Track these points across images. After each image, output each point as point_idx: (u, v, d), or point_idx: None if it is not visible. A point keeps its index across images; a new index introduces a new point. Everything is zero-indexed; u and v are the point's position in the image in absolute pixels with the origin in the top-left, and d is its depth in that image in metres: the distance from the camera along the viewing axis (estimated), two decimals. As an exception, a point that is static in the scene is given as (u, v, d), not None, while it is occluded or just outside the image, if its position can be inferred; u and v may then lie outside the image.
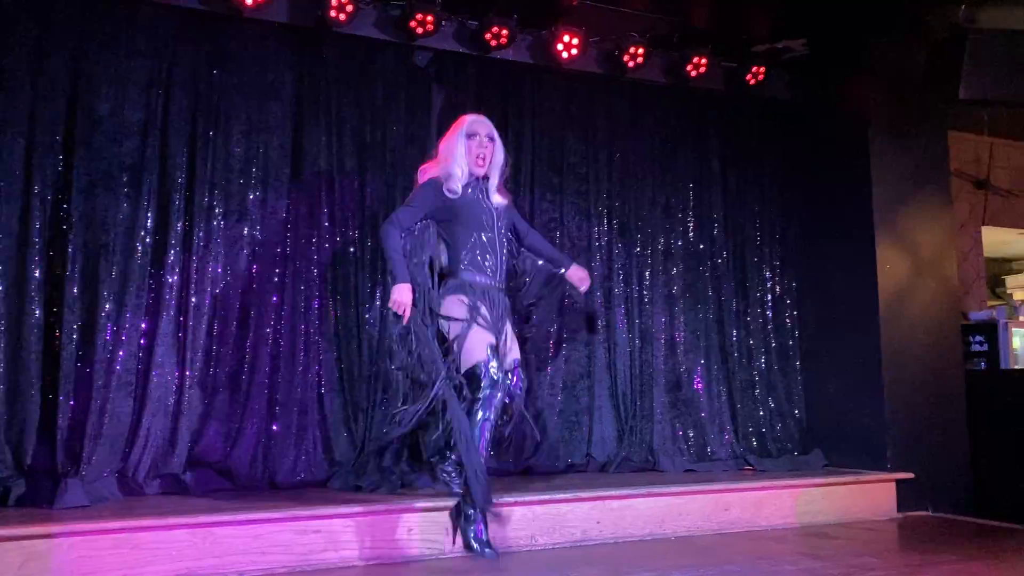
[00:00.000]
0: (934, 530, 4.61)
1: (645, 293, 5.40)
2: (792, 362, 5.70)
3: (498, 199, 3.89)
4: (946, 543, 4.22)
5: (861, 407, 5.24)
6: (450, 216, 3.78)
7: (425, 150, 4.89)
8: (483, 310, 3.68)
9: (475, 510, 3.63)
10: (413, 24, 4.66)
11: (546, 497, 4.09)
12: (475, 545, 3.64)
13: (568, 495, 4.13)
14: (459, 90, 5.06)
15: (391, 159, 4.82)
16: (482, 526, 3.66)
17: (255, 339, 4.43)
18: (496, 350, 3.65)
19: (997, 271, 7.75)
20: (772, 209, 5.81)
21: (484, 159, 3.82)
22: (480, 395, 3.59)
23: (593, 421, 5.14)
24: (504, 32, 4.82)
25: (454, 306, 3.71)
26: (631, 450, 5.18)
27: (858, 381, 5.28)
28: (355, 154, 4.78)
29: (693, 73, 5.33)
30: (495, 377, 3.60)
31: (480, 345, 3.63)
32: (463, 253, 3.76)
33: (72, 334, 3.99)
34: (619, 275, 5.37)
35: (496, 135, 3.87)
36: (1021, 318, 6.43)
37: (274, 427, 4.39)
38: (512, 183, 5.11)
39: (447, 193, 3.78)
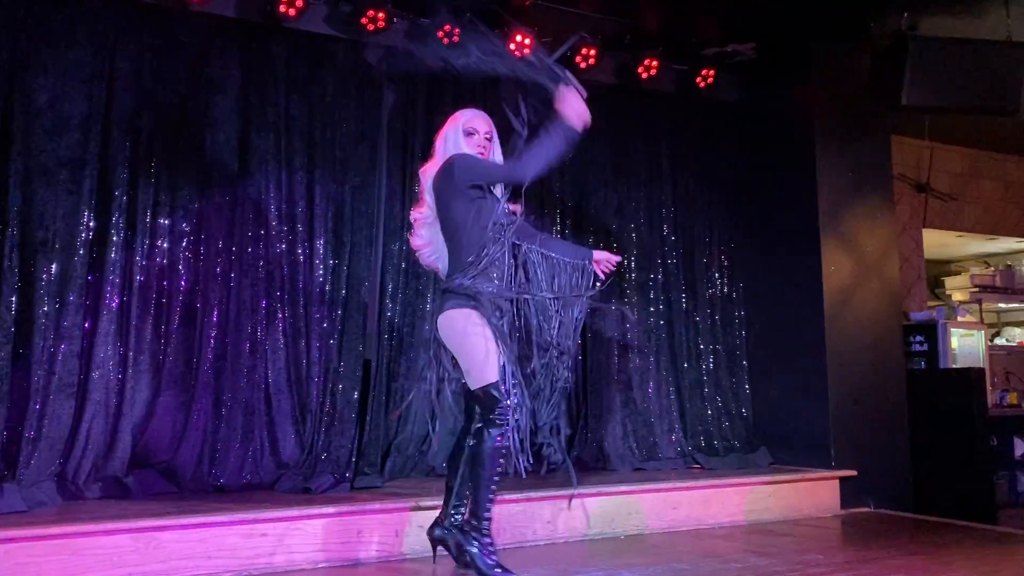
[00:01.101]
0: (876, 526, 4.72)
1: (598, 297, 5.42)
2: (739, 362, 5.78)
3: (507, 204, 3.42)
4: (887, 539, 4.31)
5: (806, 406, 5.34)
6: (471, 211, 3.30)
7: (376, 148, 4.86)
8: (496, 324, 3.25)
9: (488, 535, 3.29)
10: (364, 21, 4.61)
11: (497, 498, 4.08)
12: (499, 571, 3.27)
13: (519, 495, 4.13)
14: (410, 87, 5.02)
15: (341, 156, 4.77)
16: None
17: (200, 339, 4.35)
18: (506, 369, 3.24)
19: (937, 273, 7.96)
20: (721, 211, 5.88)
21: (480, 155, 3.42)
22: (491, 416, 3.19)
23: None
24: (456, 31, 4.79)
25: (465, 319, 3.24)
26: (582, 449, 5.21)
27: (803, 380, 5.37)
28: (304, 151, 4.71)
29: (644, 75, 5.37)
30: (508, 398, 3.20)
31: (494, 363, 3.20)
32: (473, 257, 3.28)
33: (8, 334, 3.86)
34: (570, 275, 5.38)
35: (495, 135, 3.49)
36: (959, 319, 6.62)
37: (220, 428, 4.31)
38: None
39: None
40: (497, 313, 3.27)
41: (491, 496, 3.27)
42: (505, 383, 3.21)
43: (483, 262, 3.27)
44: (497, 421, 3.18)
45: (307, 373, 4.55)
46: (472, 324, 3.21)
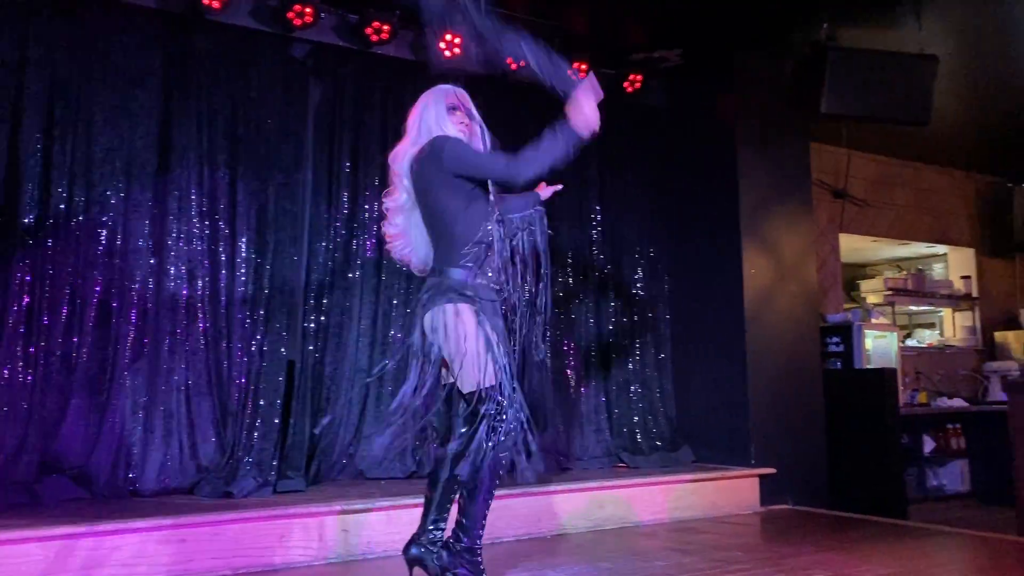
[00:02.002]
0: (794, 523, 4.85)
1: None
2: (664, 362, 5.87)
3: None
4: (804, 535, 4.44)
5: (727, 405, 5.45)
6: (460, 199, 2.99)
7: (302, 143, 4.78)
8: (494, 322, 3.00)
9: (481, 556, 2.99)
10: (291, 15, 4.53)
11: (422, 500, 4.05)
12: None
13: (445, 497, 4.11)
14: (338, 84, 4.95)
15: (265, 152, 4.67)
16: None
17: (116, 339, 4.21)
18: (505, 371, 2.97)
19: (852, 276, 8.21)
20: (647, 213, 5.96)
21: (465, 138, 3.11)
22: (490, 422, 2.91)
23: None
24: (386, 28, 4.76)
25: (465, 315, 2.94)
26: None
27: (725, 380, 5.49)
28: (227, 147, 4.60)
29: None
30: (503, 404, 2.92)
31: (489, 365, 2.93)
32: (469, 246, 2.99)
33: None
34: (499, 276, 5.39)
35: (477, 115, 3.18)
36: (873, 320, 6.85)
37: (137, 432, 4.18)
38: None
39: None
40: (496, 311, 3.03)
41: (487, 511, 2.98)
42: (504, 387, 2.92)
43: (481, 256, 2.99)
44: (496, 427, 2.89)
45: (229, 375, 4.45)
46: (473, 321, 2.92)
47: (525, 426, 2.97)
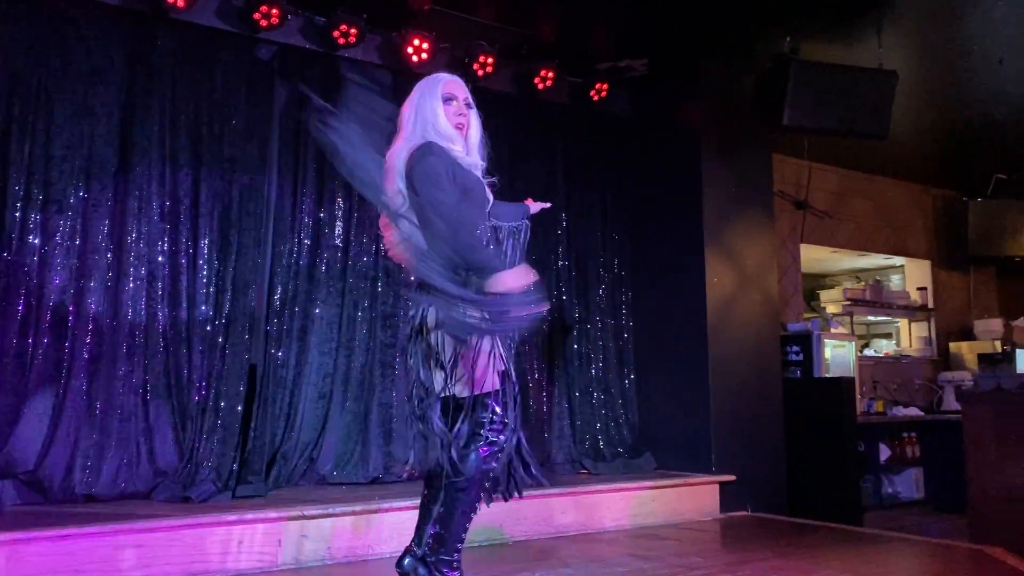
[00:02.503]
0: (753, 529, 4.90)
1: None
2: (627, 369, 5.90)
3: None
4: (764, 541, 4.49)
5: (689, 412, 5.50)
6: (460, 195, 2.85)
7: (267, 145, 4.74)
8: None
9: (459, 569, 2.87)
10: (257, 16, 4.49)
11: (385, 505, 4.04)
12: None
13: (408, 503, 4.09)
14: (304, 86, 4.91)
15: (229, 153, 4.62)
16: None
17: (73, 340, 4.12)
18: (508, 376, 2.89)
19: (812, 286, 8.32)
20: (612, 221, 6.00)
21: (463, 129, 2.98)
22: (480, 431, 2.82)
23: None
24: (353, 31, 4.74)
25: (475, 320, 2.76)
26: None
27: (686, 387, 5.53)
28: (190, 147, 4.55)
29: (540, 86, 5.44)
30: (505, 412, 2.84)
31: (492, 371, 2.83)
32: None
33: None
34: (463, 281, 5.38)
35: (473, 104, 3.04)
36: (832, 330, 6.95)
37: (93, 435, 4.10)
38: (358, 186, 5.04)
39: (454, 154, 2.90)
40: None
41: (467, 524, 2.85)
42: (506, 396, 2.82)
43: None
44: (488, 437, 2.79)
45: (188, 378, 4.38)
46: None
47: (521, 440, 2.94)
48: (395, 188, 2.88)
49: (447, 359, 2.82)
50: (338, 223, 4.95)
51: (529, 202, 3.45)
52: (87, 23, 4.30)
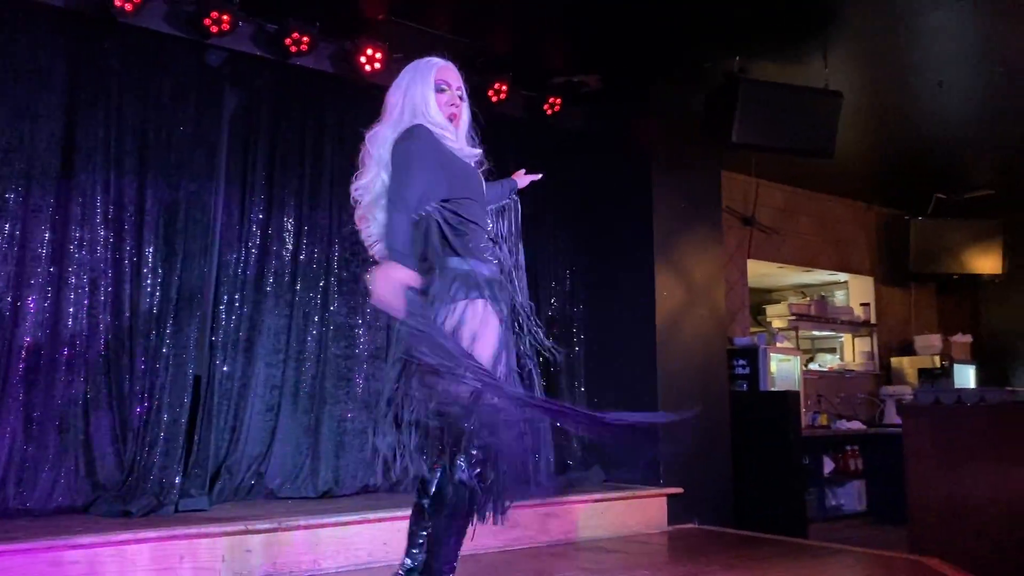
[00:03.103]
0: (700, 542, 4.94)
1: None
2: (577, 382, 5.91)
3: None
4: (710, 554, 4.52)
5: (638, 425, 5.51)
6: (449, 178, 2.67)
7: (215, 152, 4.67)
8: (505, 319, 2.69)
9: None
10: (207, 22, 4.42)
11: (331, 520, 3.99)
12: None
13: (355, 517, 4.05)
14: (254, 93, 4.86)
15: (176, 160, 4.53)
16: None
17: (8, 350, 3.99)
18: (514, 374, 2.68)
19: (759, 300, 8.45)
20: (565, 235, 6.02)
21: (455, 120, 2.80)
22: (470, 439, 2.51)
23: (387, 440, 5.05)
24: (305, 39, 4.69)
25: (473, 310, 2.57)
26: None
27: (636, 399, 5.56)
28: (135, 152, 4.45)
29: (494, 98, 5.44)
30: (500, 415, 2.53)
31: (497, 370, 2.58)
32: (466, 234, 2.66)
33: None
34: (414, 293, 5.34)
35: (466, 94, 2.87)
36: (778, 344, 7.07)
37: (28, 448, 3.97)
38: (312, 195, 4.98)
39: (445, 143, 2.71)
40: (503, 305, 2.68)
41: (457, 548, 2.59)
42: (507, 392, 2.53)
43: (479, 240, 2.67)
44: (484, 445, 2.49)
45: (131, 388, 4.28)
46: (480, 318, 2.53)
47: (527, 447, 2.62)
48: (374, 175, 2.68)
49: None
50: (288, 232, 4.88)
51: (518, 176, 3.33)
52: (31, 25, 4.19)
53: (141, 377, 4.30)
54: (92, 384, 4.19)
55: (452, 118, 2.77)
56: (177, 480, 4.15)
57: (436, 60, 2.81)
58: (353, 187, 2.76)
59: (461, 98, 2.81)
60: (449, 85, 2.77)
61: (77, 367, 4.16)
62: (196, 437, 4.35)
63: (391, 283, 2.45)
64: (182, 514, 4.00)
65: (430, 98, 2.71)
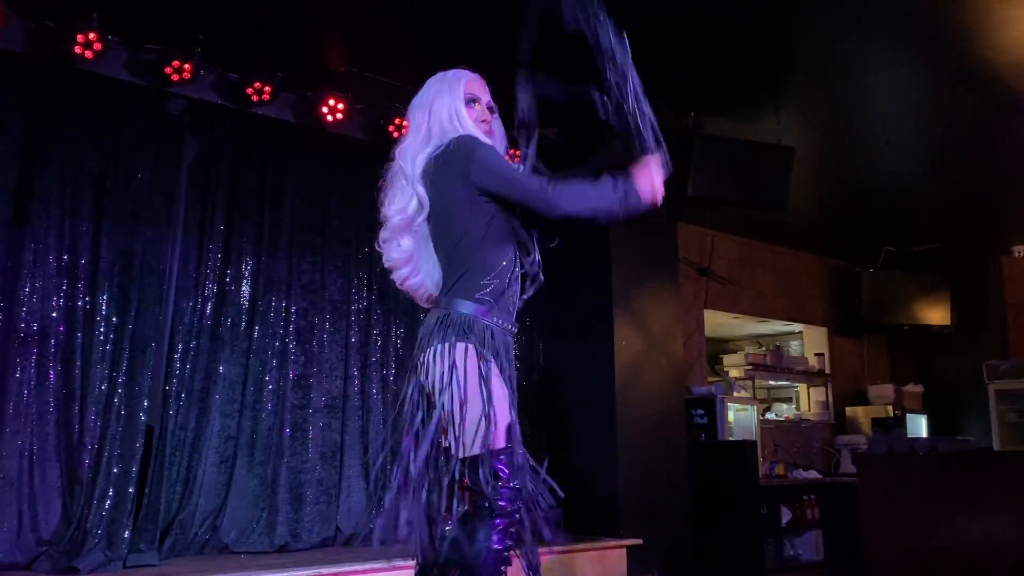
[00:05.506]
0: (659, 593, 4.91)
1: (403, 360, 5.38)
2: (536, 431, 5.88)
3: None
4: (670, 605, 4.50)
5: (597, 475, 5.51)
6: (481, 220, 2.42)
7: (174, 200, 4.64)
8: (509, 372, 2.44)
9: None
10: (168, 70, 4.42)
11: (287, 574, 3.89)
12: None
13: (313, 571, 3.96)
14: (215, 142, 4.86)
15: (132, 207, 4.49)
16: None
17: (-46, 399, 3.89)
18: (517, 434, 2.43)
19: (716, 350, 8.53)
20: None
21: (491, 136, 2.61)
22: (488, 503, 2.28)
23: (342, 493, 4.97)
24: (267, 89, 4.71)
25: (476, 359, 2.33)
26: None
27: (595, 450, 5.56)
28: (92, 200, 4.41)
29: (454, 149, 5.49)
30: (509, 477, 2.34)
31: (504, 424, 2.35)
32: (490, 277, 2.43)
33: None
34: (376, 341, 5.31)
35: (496, 109, 2.68)
36: (736, 394, 7.13)
37: (-30, 502, 3.84)
38: (270, 244, 4.95)
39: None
40: (510, 358, 2.46)
41: None
42: (514, 456, 2.34)
43: (500, 290, 2.44)
44: (497, 510, 2.25)
45: (80, 439, 4.17)
46: (479, 366, 2.30)
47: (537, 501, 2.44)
48: (410, 196, 2.44)
49: (448, 408, 2.30)
50: (245, 281, 4.85)
51: None
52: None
53: (91, 427, 4.19)
54: (39, 435, 4.08)
55: (487, 135, 2.56)
56: (126, 534, 4.03)
57: (463, 72, 2.60)
58: (386, 207, 2.49)
59: (491, 111, 2.62)
60: (478, 98, 2.58)
61: (24, 418, 4.05)
62: (147, 489, 4.24)
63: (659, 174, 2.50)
64: (131, 569, 3.88)
65: (462, 111, 2.50)
